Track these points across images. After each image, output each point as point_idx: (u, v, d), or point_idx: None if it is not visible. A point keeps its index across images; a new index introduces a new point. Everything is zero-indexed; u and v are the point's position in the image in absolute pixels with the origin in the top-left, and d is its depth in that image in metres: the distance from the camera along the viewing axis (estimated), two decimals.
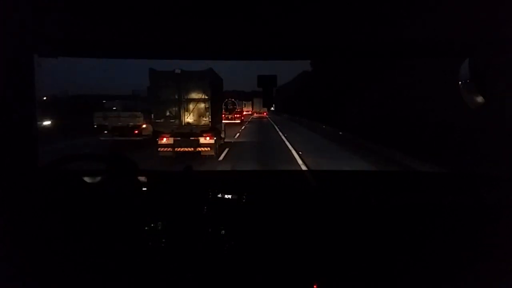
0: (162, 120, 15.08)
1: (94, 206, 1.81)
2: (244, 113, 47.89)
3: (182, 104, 14.93)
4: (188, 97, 14.93)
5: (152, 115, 15.60)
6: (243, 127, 32.01)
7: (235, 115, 38.53)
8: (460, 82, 2.05)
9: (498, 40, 2.00)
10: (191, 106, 14.97)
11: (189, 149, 14.75)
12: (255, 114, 59.32)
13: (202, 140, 14.77)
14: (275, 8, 1.75)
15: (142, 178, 2.05)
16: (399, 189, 2.05)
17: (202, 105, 14.93)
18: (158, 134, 15.15)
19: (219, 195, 2.03)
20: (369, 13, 1.81)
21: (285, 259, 1.45)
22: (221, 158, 15.26)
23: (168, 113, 14.98)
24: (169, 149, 14.81)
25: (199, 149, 14.79)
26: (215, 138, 15.16)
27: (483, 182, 2.02)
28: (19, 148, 1.91)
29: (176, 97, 14.87)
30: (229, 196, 2.05)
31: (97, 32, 2.07)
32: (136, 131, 19.09)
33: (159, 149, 14.87)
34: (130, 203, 1.87)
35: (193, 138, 14.81)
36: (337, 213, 1.78)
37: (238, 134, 24.91)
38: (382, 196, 1.90)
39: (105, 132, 19.25)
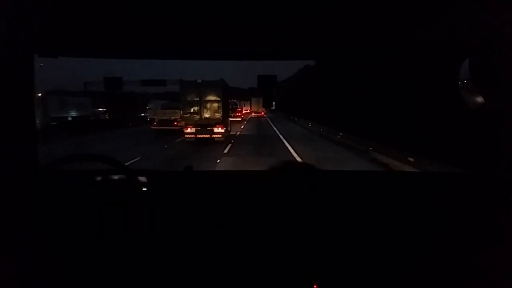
0: (188, 115, 15.23)
1: (94, 206, 1.27)
2: (244, 111, 40.59)
3: (202, 104, 15.03)
4: (206, 99, 15.03)
5: (181, 111, 15.85)
6: (242, 126, 27.09)
7: (237, 114, 33.98)
8: (460, 82, 1.40)
9: (498, 40, 1.41)
10: (208, 105, 15.12)
11: (206, 136, 14.82)
12: (253, 114, 43.74)
13: (215, 129, 14.87)
14: (275, 8, 1.21)
15: (142, 178, 1.40)
16: (399, 190, 1.44)
17: (216, 105, 15.14)
18: (185, 125, 15.44)
19: (219, 195, 1.40)
20: (369, 14, 1.26)
21: (285, 259, 1.10)
22: (229, 146, 14.59)
23: (192, 110, 15.17)
24: (192, 136, 14.98)
25: (213, 136, 14.88)
26: (225, 129, 15.37)
27: (483, 182, 1.41)
28: (19, 148, 1.33)
29: (198, 99, 15.01)
30: (229, 196, 1.41)
31: (97, 32, 1.47)
32: (175, 123, 19.37)
33: (185, 136, 15.11)
34: (130, 203, 1.28)
35: (209, 128, 14.89)
36: (338, 213, 1.28)
37: (238, 132, 22.15)
38: (382, 196, 1.35)
39: (155, 123, 19.91)
